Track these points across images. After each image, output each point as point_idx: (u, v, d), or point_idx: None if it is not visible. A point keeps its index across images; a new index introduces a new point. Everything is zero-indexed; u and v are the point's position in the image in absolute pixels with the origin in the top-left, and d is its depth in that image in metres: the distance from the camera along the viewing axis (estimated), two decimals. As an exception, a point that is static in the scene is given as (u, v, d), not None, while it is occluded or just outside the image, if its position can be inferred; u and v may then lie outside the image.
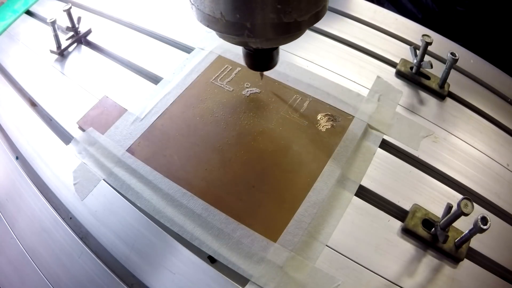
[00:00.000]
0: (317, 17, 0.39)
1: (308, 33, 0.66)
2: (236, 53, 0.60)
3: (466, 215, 0.39)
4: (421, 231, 0.44)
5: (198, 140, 0.51)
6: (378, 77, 0.59)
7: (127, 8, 0.72)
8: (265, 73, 0.58)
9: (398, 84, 0.59)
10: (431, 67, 0.55)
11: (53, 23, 0.61)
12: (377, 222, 0.45)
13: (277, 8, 0.35)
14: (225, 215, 0.44)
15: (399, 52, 0.63)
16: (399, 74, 0.60)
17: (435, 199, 0.47)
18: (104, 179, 0.48)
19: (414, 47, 0.58)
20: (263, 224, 0.44)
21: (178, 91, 0.56)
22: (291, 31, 0.38)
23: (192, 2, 0.39)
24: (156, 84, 0.58)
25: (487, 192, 0.49)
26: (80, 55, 0.65)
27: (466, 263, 0.43)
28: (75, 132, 0.54)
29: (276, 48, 0.45)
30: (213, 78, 0.58)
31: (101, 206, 0.47)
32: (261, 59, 0.46)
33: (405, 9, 1.02)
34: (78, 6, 0.74)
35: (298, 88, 0.56)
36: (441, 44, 0.65)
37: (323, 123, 0.52)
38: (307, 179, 0.47)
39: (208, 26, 0.39)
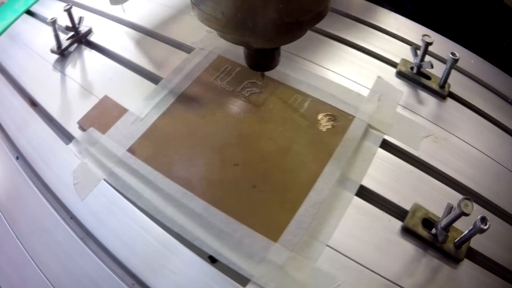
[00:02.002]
0: (319, 17, 0.39)
1: (308, 33, 0.65)
2: (236, 53, 0.60)
3: (467, 215, 0.39)
4: (421, 230, 0.44)
5: (198, 140, 0.51)
6: (379, 77, 0.59)
7: (127, 8, 0.72)
8: (266, 73, 0.57)
9: (399, 84, 0.59)
10: (432, 67, 0.55)
11: (53, 23, 0.61)
12: (378, 222, 0.45)
13: (279, 7, 0.35)
14: (226, 215, 0.44)
15: (400, 52, 0.63)
16: (400, 74, 0.60)
17: (436, 199, 0.47)
18: (104, 179, 0.48)
19: (415, 47, 0.58)
20: (264, 224, 0.44)
21: (178, 91, 0.56)
22: (293, 31, 0.38)
23: (194, 2, 0.38)
24: (156, 84, 0.58)
25: (487, 192, 0.49)
26: (81, 55, 0.65)
27: (466, 263, 0.43)
28: (76, 132, 0.54)
29: (278, 48, 0.45)
30: (213, 78, 0.58)
31: (101, 206, 0.47)
32: (262, 59, 0.46)
33: (405, 9, 1.02)
34: (79, 6, 0.74)
35: (299, 88, 0.56)
36: (442, 44, 0.65)
37: (324, 123, 0.52)
38: (307, 179, 0.47)
39: (209, 26, 0.39)
